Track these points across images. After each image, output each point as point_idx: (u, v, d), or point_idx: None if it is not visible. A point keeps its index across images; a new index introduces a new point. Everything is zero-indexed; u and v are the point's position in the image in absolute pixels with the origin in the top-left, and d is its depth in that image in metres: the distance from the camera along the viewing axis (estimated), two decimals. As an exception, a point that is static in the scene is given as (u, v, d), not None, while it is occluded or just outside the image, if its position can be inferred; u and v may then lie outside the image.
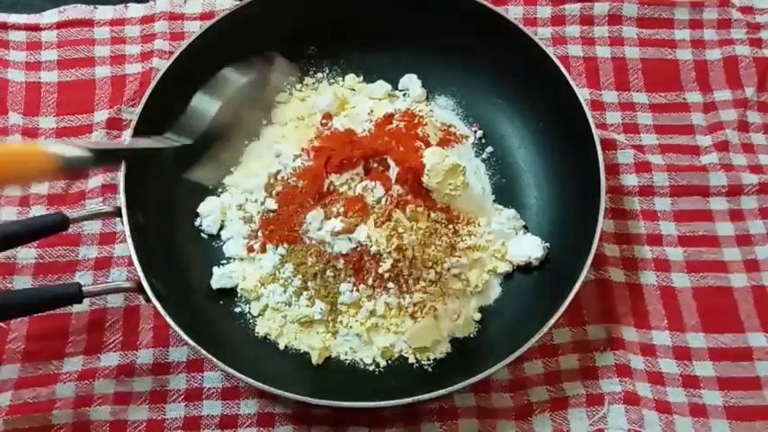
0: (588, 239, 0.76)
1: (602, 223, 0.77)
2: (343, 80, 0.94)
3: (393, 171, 0.81)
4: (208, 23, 0.86)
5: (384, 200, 0.79)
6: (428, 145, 0.84)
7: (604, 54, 0.96)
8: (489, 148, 0.90)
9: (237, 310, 0.81)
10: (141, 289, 0.72)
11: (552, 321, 0.72)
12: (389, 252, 0.77)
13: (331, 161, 0.81)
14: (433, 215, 0.81)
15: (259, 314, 0.81)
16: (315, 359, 0.78)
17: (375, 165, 0.82)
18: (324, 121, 0.88)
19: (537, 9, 0.98)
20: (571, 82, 0.83)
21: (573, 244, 0.79)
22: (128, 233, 0.75)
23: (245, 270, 0.82)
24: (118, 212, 0.76)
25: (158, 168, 0.80)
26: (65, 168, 0.59)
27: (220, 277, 0.81)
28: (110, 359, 0.79)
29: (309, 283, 0.79)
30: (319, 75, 0.94)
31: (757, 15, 0.98)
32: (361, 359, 0.79)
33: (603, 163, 0.79)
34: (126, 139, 0.66)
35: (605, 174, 0.78)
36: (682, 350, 0.80)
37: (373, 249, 0.76)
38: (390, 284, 0.78)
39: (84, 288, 0.71)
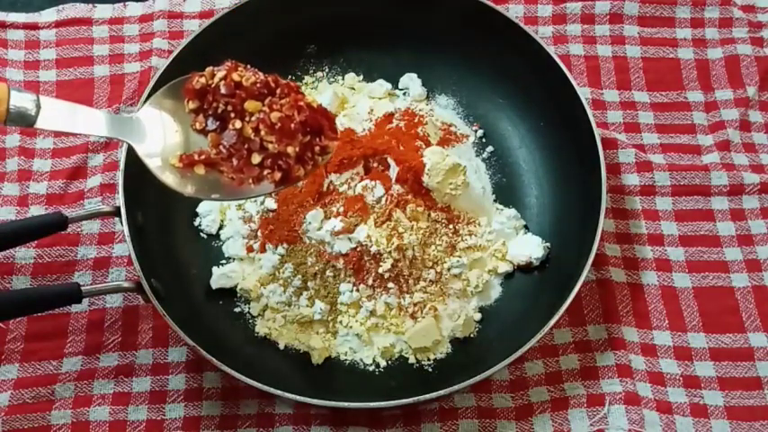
0: (589, 239, 0.76)
1: (603, 223, 0.76)
2: (343, 79, 0.93)
3: (393, 170, 0.80)
4: (207, 22, 0.86)
5: (384, 199, 0.79)
6: (428, 144, 0.84)
7: (605, 53, 0.96)
8: (490, 148, 0.90)
9: (237, 310, 0.81)
10: (140, 289, 0.72)
11: (553, 321, 0.72)
12: (389, 252, 0.76)
13: (331, 160, 0.81)
14: (433, 215, 0.80)
15: (259, 314, 0.80)
16: (315, 359, 0.78)
17: (375, 164, 0.82)
18: (324, 121, 0.88)
19: (538, 8, 0.98)
20: (572, 81, 0.83)
21: (574, 244, 0.78)
22: (127, 233, 0.74)
23: (244, 270, 0.81)
24: (117, 212, 0.76)
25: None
26: (10, 117, 0.56)
27: (220, 277, 0.81)
28: (109, 359, 0.78)
29: (309, 283, 0.79)
30: (319, 74, 0.93)
31: (759, 14, 0.98)
32: (361, 359, 0.79)
33: (605, 162, 0.79)
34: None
35: (606, 173, 0.78)
36: (683, 350, 0.80)
37: (373, 249, 0.76)
38: (390, 284, 0.77)
39: (83, 288, 0.71)
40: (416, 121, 0.86)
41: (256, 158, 0.62)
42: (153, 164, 0.63)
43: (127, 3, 0.98)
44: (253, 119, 0.62)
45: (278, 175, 0.62)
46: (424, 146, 0.83)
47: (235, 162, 0.62)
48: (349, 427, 0.76)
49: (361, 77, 0.93)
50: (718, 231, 0.85)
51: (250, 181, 0.63)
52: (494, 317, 0.81)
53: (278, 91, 0.63)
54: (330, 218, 0.78)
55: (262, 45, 0.85)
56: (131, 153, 0.76)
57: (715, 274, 0.83)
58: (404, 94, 0.93)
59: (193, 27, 0.96)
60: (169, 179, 0.63)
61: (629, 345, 0.79)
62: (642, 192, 0.87)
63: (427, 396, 0.70)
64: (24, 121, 0.57)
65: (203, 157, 0.62)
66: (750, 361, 0.79)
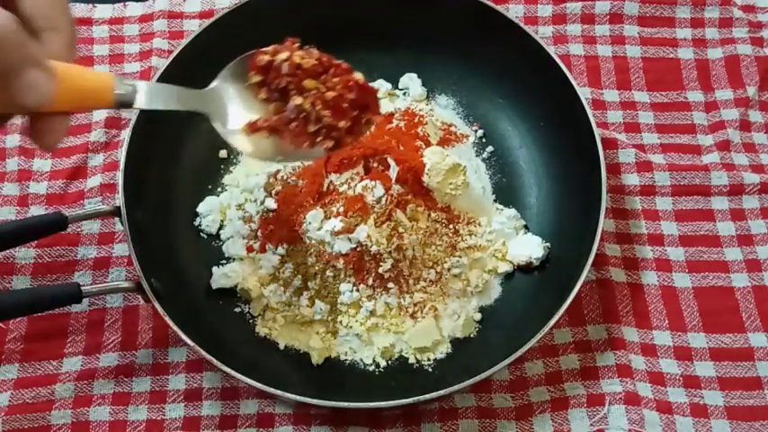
0: (589, 239, 0.75)
1: (604, 223, 0.76)
2: (344, 79, 0.93)
3: (393, 170, 0.80)
4: (207, 22, 0.86)
5: (384, 199, 0.79)
6: (428, 144, 0.84)
7: (605, 53, 0.96)
8: (490, 148, 0.90)
9: (237, 310, 0.81)
10: (140, 289, 0.72)
11: (553, 321, 0.72)
12: (389, 252, 0.76)
13: (331, 160, 0.81)
14: (433, 215, 0.80)
15: (259, 314, 0.80)
16: (315, 359, 0.78)
17: (375, 164, 0.82)
18: (324, 120, 0.88)
19: (538, 8, 0.98)
20: (572, 81, 0.83)
21: (574, 244, 0.78)
22: (127, 233, 0.74)
23: (244, 270, 0.81)
24: (117, 212, 0.76)
25: (157, 167, 0.80)
26: (116, 102, 0.60)
27: (220, 277, 0.81)
28: (109, 359, 0.78)
29: (309, 283, 0.79)
30: (319, 73, 0.93)
31: (759, 14, 0.98)
32: (361, 359, 0.79)
33: (605, 162, 0.79)
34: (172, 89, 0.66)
35: (606, 173, 0.78)
36: (683, 350, 0.80)
37: (373, 249, 0.76)
38: (390, 284, 0.77)
39: (83, 288, 0.71)
40: (416, 121, 0.86)
41: (312, 128, 0.68)
42: (227, 133, 0.68)
43: (127, 3, 0.98)
44: (310, 94, 0.68)
45: (330, 144, 0.69)
46: (424, 146, 0.83)
47: (293, 126, 0.68)
48: (349, 427, 0.76)
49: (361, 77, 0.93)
50: (718, 231, 0.85)
51: (306, 144, 0.69)
52: (494, 317, 0.81)
53: (331, 70, 0.69)
54: (330, 218, 0.78)
55: (262, 45, 0.85)
56: (132, 153, 0.77)
57: (715, 274, 0.83)
58: (404, 94, 0.93)
59: (193, 27, 0.96)
60: (238, 144, 0.69)
61: (629, 345, 0.79)
62: (642, 192, 0.87)
63: (427, 396, 0.70)
64: (126, 105, 0.61)
65: (267, 123, 0.68)
66: (750, 361, 0.79)
